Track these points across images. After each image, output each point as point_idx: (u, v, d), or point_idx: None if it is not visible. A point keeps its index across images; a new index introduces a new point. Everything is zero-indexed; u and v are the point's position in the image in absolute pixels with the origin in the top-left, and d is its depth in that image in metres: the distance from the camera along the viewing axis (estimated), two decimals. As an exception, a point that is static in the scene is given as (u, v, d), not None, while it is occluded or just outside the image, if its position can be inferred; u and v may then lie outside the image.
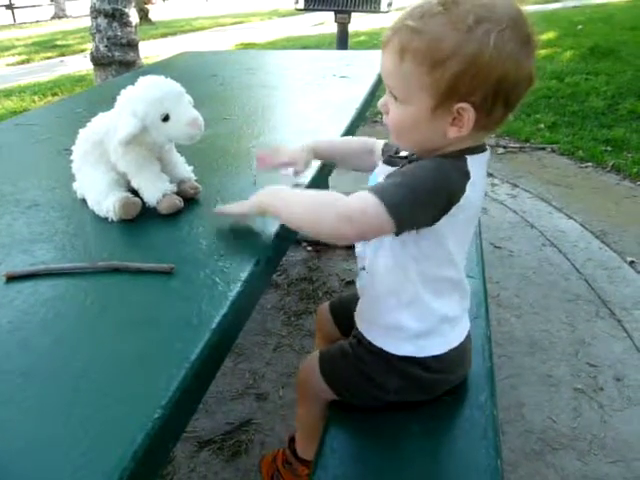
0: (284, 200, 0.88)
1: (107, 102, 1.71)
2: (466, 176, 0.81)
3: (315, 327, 1.41)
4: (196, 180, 1.08)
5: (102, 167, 1.01)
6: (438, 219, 0.81)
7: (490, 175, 3.58)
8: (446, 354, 0.97)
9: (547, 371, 1.91)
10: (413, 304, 0.93)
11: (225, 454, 1.63)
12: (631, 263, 2.55)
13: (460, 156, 0.83)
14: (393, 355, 0.97)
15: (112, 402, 0.59)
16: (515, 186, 3.43)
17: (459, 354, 1.01)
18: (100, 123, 1.04)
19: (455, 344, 0.99)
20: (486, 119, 0.81)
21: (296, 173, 1.08)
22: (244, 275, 0.79)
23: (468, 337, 1.05)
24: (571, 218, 2.99)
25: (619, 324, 2.14)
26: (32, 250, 0.90)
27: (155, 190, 0.98)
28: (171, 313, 0.73)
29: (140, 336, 0.69)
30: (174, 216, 0.99)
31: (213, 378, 0.69)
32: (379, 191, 0.78)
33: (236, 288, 0.76)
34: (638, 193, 3.28)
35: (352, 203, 0.79)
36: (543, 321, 2.17)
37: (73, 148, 1.07)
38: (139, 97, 0.95)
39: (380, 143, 1.11)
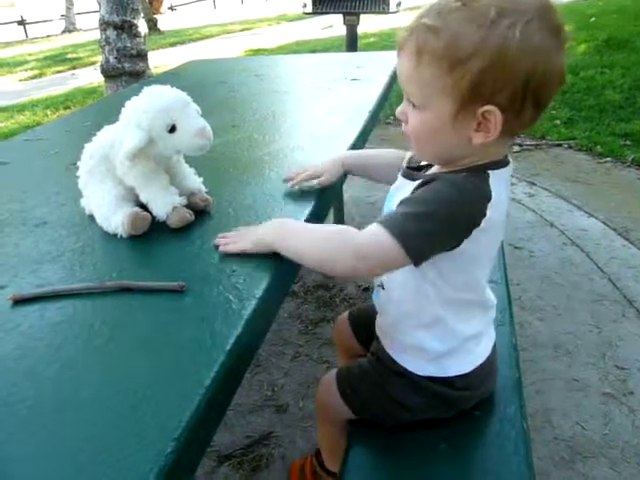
0: (293, 237, 0.83)
1: (115, 114, 1.69)
2: (487, 198, 0.75)
3: (334, 341, 1.37)
4: (207, 192, 1.05)
5: (109, 182, 0.99)
6: (458, 245, 0.77)
7: (506, 174, 3.51)
8: (472, 371, 0.93)
9: (574, 375, 1.85)
10: (434, 325, 0.89)
11: (245, 469, 1.59)
12: (657, 260, 2.47)
13: (481, 172, 0.77)
14: (416, 375, 0.93)
15: (123, 435, 0.55)
16: (533, 184, 3.36)
17: (485, 369, 0.96)
18: (105, 137, 1.01)
19: (481, 360, 0.94)
20: (515, 122, 0.74)
21: (320, 184, 1.05)
22: (259, 292, 0.76)
23: (494, 349, 1.00)
24: (592, 216, 2.92)
25: (647, 324, 2.07)
26: (40, 270, 0.88)
27: (164, 204, 0.95)
28: (183, 335, 0.69)
29: (151, 361, 0.65)
30: (184, 231, 0.95)
31: (229, 404, 0.66)
32: (394, 226, 0.74)
33: (250, 306, 0.73)
34: (660, 187, 3.20)
35: (367, 240, 0.76)
36: (568, 323, 2.11)
37: (79, 164, 1.04)
38: (144, 108, 0.92)
39: (408, 155, 1.04)
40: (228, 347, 0.65)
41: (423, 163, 0.92)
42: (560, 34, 0.73)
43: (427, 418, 0.97)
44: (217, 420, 0.62)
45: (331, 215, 2.81)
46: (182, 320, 0.72)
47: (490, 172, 0.78)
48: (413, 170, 0.90)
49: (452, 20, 0.71)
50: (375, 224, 0.76)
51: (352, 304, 2.25)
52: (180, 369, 0.63)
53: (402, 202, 0.78)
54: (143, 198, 0.98)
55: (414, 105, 0.79)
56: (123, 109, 0.96)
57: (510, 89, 0.71)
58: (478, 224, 0.75)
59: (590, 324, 2.10)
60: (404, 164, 0.97)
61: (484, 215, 0.75)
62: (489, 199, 0.75)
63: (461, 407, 0.97)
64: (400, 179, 0.91)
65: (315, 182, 1.06)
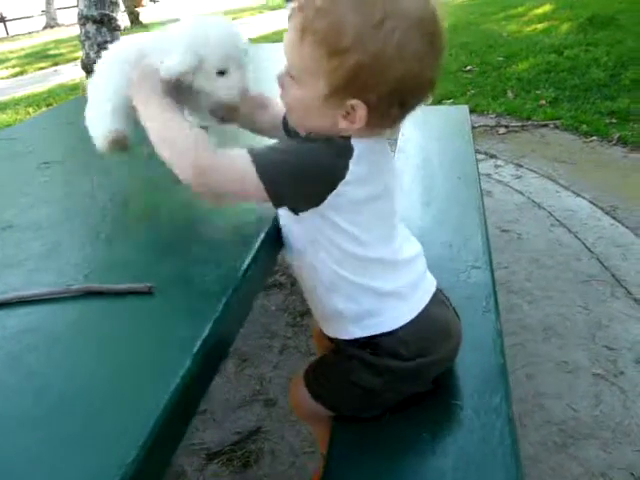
0: (148, 109, 0.85)
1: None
2: (348, 152, 0.78)
3: (315, 345, 1.36)
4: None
5: (122, 92, 0.90)
6: (322, 199, 0.78)
7: (493, 156, 3.50)
8: (410, 333, 0.91)
9: (564, 357, 1.84)
10: (340, 287, 0.90)
11: (235, 465, 1.58)
12: (644, 238, 2.47)
13: (345, 138, 0.81)
14: (356, 348, 0.93)
15: (83, 446, 0.53)
16: (519, 166, 3.34)
17: (426, 327, 0.93)
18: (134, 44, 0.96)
19: (410, 317, 0.92)
20: (379, 119, 0.78)
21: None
22: (228, 292, 0.73)
23: (443, 305, 0.99)
24: (579, 196, 2.90)
25: (636, 303, 2.07)
26: (2, 276, 0.84)
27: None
28: (149, 339, 0.67)
29: (114, 367, 0.63)
30: (154, 230, 0.92)
31: (196, 409, 0.63)
32: (255, 150, 0.77)
33: (219, 306, 0.70)
34: (646, 165, 3.19)
35: (220, 154, 0.78)
36: (556, 305, 2.10)
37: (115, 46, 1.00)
38: (207, 37, 0.84)
39: (276, 104, 1.01)
40: (195, 350, 0.63)
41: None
42: (435, 43, 0.76)
43: (401, 399, 0.95)
44: (183, 426, 0.60)
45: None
46: (148, 324, 0.70)
47: (352, 138, 0.81)
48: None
49: (341, 7, 0.72)
50: (241, 148, 0.79)
51: (340, 294, 2.23)
52: (144, 375, 0.61)
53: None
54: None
55: (291, 76, 0.80)
56: (182, 22, 0.89)
57: (380, 90, 0.74)
58: (342, 177, 0.78)
59: (579, 305, 2.09)
60: (275, 111, 1.01)
61: (346, 168, 0.78)
62: (351, 154, 0.78)
63: (425, 378, 0.96)
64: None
65: None
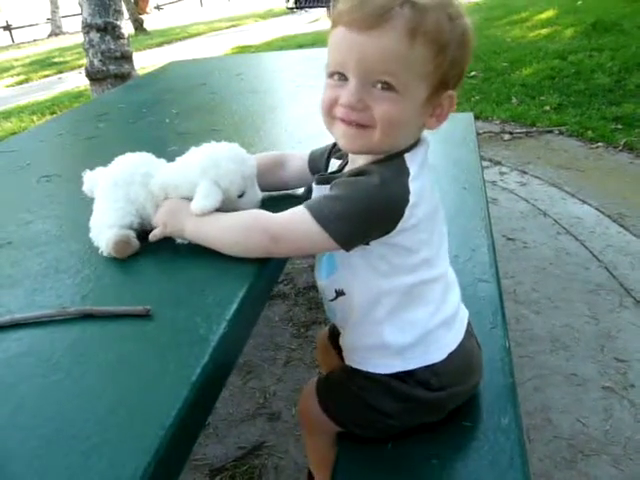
0: (207, 224, 0.85)
1: (91, 121, 1.63)
2: (406, 175, 0.77)
3: (317, 358, 1.33)
4: None
5: (131, 207, 0.92)
6: (395, 227, 0.76)
7: (498, 163, 3.47)
8: (444, 364, 0.88)
9: (572, 370, 1.81)
10: (392, 316, 0.86)
11: (238, 481, 1.55)
12: (653, 246, 2.43)
13: (398, 156, 0.79)
14: (385, 376, 0.89)
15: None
16: (524, 173, 3.31)
17: (461, 360, 0.91)
18: (157, 171, 0.94)
19: (452, 347, 0.89)
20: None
21: None
22: (229, 314, 0.71)
23: (472, 336, 0.96)
24: (585, 203, 2.87)
25: (645, 313, 2.03)
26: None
27: None
28: (146, 366, 0.64)
29: (109, 398, 0.61)
30: (151, 251, 0.90)
31: (194, 442, 0.61)
32: (315, 208, 0.76)
33: (219, 330, 0.68)
34: (654, 171, 3.15)
35: (283, 219, 0.79)
36: (564, 315, 2.07)
37: (117, 164, 0.98)
38: (226, 169, 0.89)
39: (297, 157, 1.04)
40: (193, 379, 0.61)
41: (334, 168, 0.92)
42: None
43: (409, 426, 0.92)
44: (180, 464, 0.58)
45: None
46: (146, 349, 0.68)
47: (405, 154, 0.80)
48: (328, 175, 0.89)
49: (433, 5, 0.72)
50: (299, 206, 0.78)
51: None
52: (140, 407, 0.59)
53: (330, 188, 0.80)
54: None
55: (386, 88, 0.73)
56: (195, 154, 0.92)
57: (462, 75, 0.79)
58: (407, 200, 0.76)
59: (587, 315, 2.06)
60: (296, 166, 1.02)
61: (409, 191, 0.76)
62: (408, 174, 0.77)
63: (442, 410, 0.92)
64: (317, 188, 0.88)
65: None
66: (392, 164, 0.78)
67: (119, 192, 0.93)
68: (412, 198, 0.76)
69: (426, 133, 0.84)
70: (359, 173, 0.78)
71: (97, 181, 0.97)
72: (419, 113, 0.77)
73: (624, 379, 1.75)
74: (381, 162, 0.79)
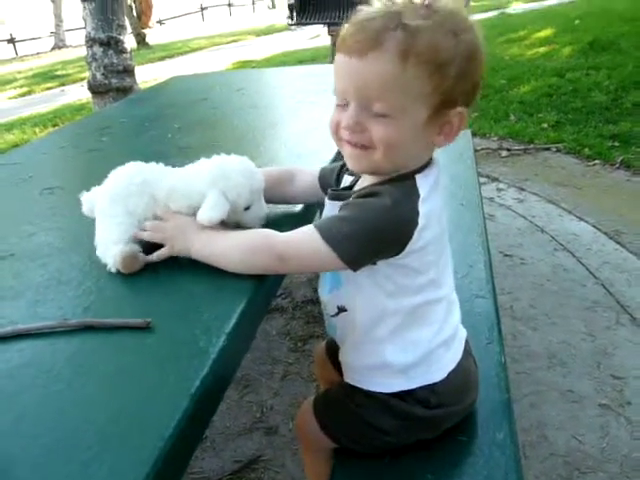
0: (219, 247, 0.85)
1: (94, 135, 1.65)
2: (417, 196, 0.77)
3: (315, 372, 1.34)
4: None
5: (133, 219, 0.93)
6: (404, 249, 0.77)
7: (495, 180, 3.50)
8: (444, 383, 0.89)
9: (569, 386, 1.81)
10: (396, 336, 0.86)
11: (234, 496, 1.55)
12: (649, 264, 2.45)
13: (409, 177, 0.80)
14: (385, 394, 0.89)
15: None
16: (522, 190, 3.34)
17: (460, 379, 0.92)
18: (155, 175, 0.95)
19: (452, 366, 0.90)
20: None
21: None
22: (228, 327, 0.72)
23: (470, 355, 0.97)
24: (582, 220, 2.89)
25: (641, 330, 2.04)
26: (2, 308, 0.84)
27: None
28: (145, 378, 0.65)
29: (110, 409, 0.61)
30: (153, 265, 0.91)
31: (192, 453, 0.62)
32: (325, 228, 0.77)
33: (219, 343, 0.69)
34: (650, 189, 3.18)
35: (291, 238, 0.80)
36: (561, 332, 2.08)
37: (110, 180, 0.98)
38: (235, 182, 0.91)
39: (306, 172, 1.06)
40: (192, 391, 0.62)
41: (345, 184, 0.92)
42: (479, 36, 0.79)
43: (406, 443, 0.93)
44: (178, 475, 0.58)
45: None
46: (146, 361, 0.69)
47: (417, 176, 0.80)
48: (340, 191, 0.90)
49: (427, 24, 0.72)
50: (308, 225, 0.79)
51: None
52: (140, 418, 0.59)
53: (340, 208, 0.80)
54: None
55: (380, 113, 0.74)
56: (205, 164, 0.94)
57: (472, 91, 0.78)
58: (417, 223, 0.76)
59: (584, 332, 2.07)
60: (305, 181, 1.02)
61: (419, 213, 0.76)
62: (418, 196, 0.77)
63: (440, 428, 0.93)
64: (329, 204, 0.89)
65: None
66: (403, 185, 0.78)
67: (117, 207, 0.93)
68: (421, 221, 0.76)
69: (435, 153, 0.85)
70: (369, 194, 0.78)
71: (95, 200, 0.98)
72: (421, 133, 0.77)
73: (620, 396, 1.75)
74: (392, 182, 0.79)
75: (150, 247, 0.92)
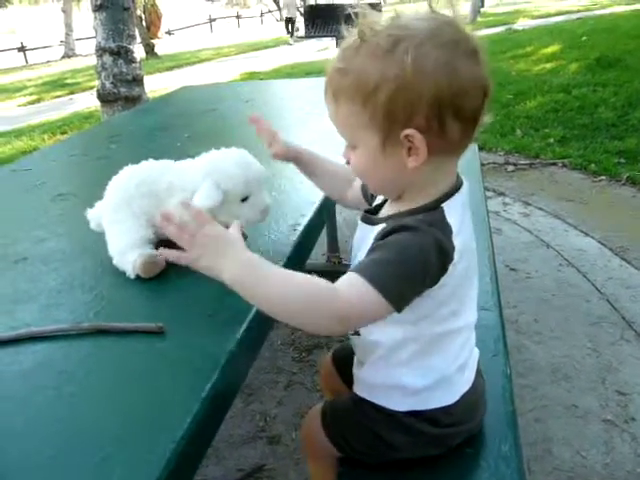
0: (260, 286, 0.72)
1: (103, 143, 1.67)
2: (449, 231, 0.76)
3: (320, 382, 1.34)
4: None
5: (140, 220, 0.94)
6: (437, 282, 0.76)
7: (501, 194, 3.51)
8: (456, 405, 0.89)
9: (573, 401, 1.81)
10: (414, 362, 0.86)
11: (237, 505, 1.55)
12: (654, 280, 2.45)
13: (436, 207, 0.78)
14: (398, 411, 0.89)
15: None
16: (528, 204, 3.35)
17: (471, 399, 0.92)
18: (148, 173, 0.97)
19: (465, 389, 0.91)
20: (441, 139, 0.75)
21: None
22: (238, 333, 0.73)
23: (479, 374, 0.97)
24: (588, 235, 2.90)
25: (646, 347, 2.04)
26: (15, 311, 0.85)
27: None
28: (157, 382, 0.67)
29: (122, 411, 0.63)
30: (164, 270, 0.92)
31: (203, 455, 0.63)
32: (373, 278, 0.71)
33: (229, 348, 0.70)
34: (656, 205, 3.19)
35: (347, 298, 0.71)
36: (566, 347, 2.08)
37: (109, 190, 0.99)
38: (229, 172, 0.92)
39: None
40: (203, 395, 0.63)
41: (377, 202, 0.92)
42: (462, 46, 0.74)
43: (416, 457, 0.93)
44: (189, 476, 0.59)
45: (324, 239, 2.80)
46: (158, 365, 0.70)
47: (444, 205, 0.78)
48: (370, 214, 0.90)
49: (354, 58, 0.74)
50: (353, 275, 0.73)
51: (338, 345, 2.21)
52: (152, 421, 0.60)
53: (372, 249, 0.76)
54: None
55: (350, 145, 0.81)
56: (203, 157, 0.95)
57: (423, 110, 0.72)
58: (452, 258, 0.75)
59: (589, 347, 2.07)
60: (358, 187, 1.00)
61: (454, 248, 0.76)
62: (451, 231, 0.76)
63: (449, 445, 0.93)
64: (361, 226, 0.89)
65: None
66: (433, 217, 0.77)
67: (122, 214, 0.95)
68: (456, 255, 0.76)
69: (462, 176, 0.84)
70: (404, 228, 0.76)
71: (100, 214, 1.00)
72: (385, 157, 0.77)
73: (625, 412, 1.75)
74: (420, 213, 0.78)
75: (164, 243, 0.93)
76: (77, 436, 0.60)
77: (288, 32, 17.04)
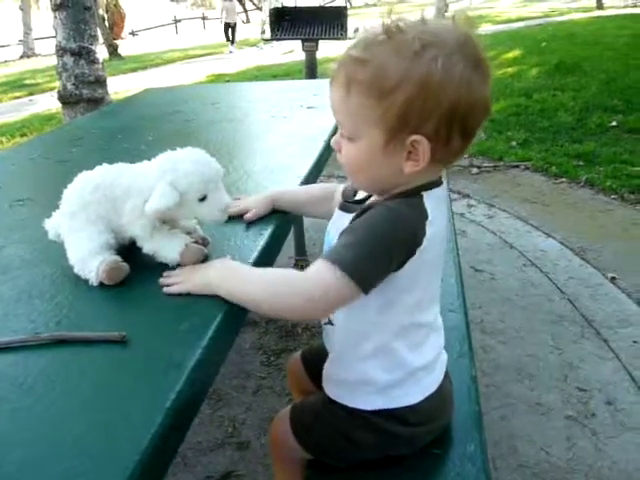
0: (238, 282, 0.81)
1: (65, 146, 1.63)
2: (424, 216, 0.78)
3: (288, 381, 1.34)
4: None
5: (98, 226, 0.92)
6: (402, 265, 0.77)
7: (466, 196, 3.57)
8: (423, 403, 0.90)
9: (537, 399, 1.85)
10: (382, 355, 0.87)
11: (205, 513, 1.53)
12: (612, 279, 2.53)
13: (415, 194, 0.79)
14: (365, 410, 0.90)
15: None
16: (491, 206, 3.41)
17: (438, 399, 0.93)
18: (103, 178, 0.94)
19: (432, 389, 0.92)
20: (443, 151, 0.76)
21: (246, 220, 1.06)
22: (204, 340, 0.72)
23: (447, 377, 0.99)
24: (550, 236, 2.97)
25: (605, 344, 2.10)
26: (-31, 322, 0.82)
27: (176, 244, 0.90)
28: (119, 392, 0.65)
29: (83, 423, 0.61)
30: (127, 277, 0.90)
31: (168, 468, 0.61)
32: (337, 259, 0.74)
33: (195, 356, 0.69)
34: (613, 207, 3.29)
35: (313, 281, 0.76)
36: (529, 345, 2.13)
37: (65, 198, 0.96)
38: (185, 171, 0.88)
39: (341, 188, 1.06)
40: (168, 404, 0.62)
41: (359, 196, 0.92)
42: (481, 66, 0.75)
43: (384, 456, 0.94)
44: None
45: (291, 242, 2.79)
46: (120, 375, 0.68)
47: (424, 193, 0.79)
48: (350, 203, 0.90)
49: (378, 52, 0.74)
50: (320, 261, 0.76)
51: (314, 333, 2.22)
52: (115, 432, 0.59)
53: (342, 233, 0.79)
54: (149, 248, 0.92)
55: (346, 136, 0.80)
56: (157, 159, 0.92)
57: (436, 119, 0.73)
58: (420, 243, 0.76)
59: (551, 345, 2.12)
60: (339, 196, 0.97)
61: (424, 234, 0.77)
62: (427, 217, 0.78)
63: (417, 445, 0.94)
64: (337, 213, 0.91)
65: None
66: (411, 202, 0.78)
67: (79, 221, 0.92)
68: (425, 242, 0.77)
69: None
70: (379, 205, 0.78)
71: (58, 224, 0.97)
72: (384, 156, 0.77)
73: (585, 408, 1.80)
74: (399, 197, 0.79)
75: (127, 247, 0.93)
76: (37, 450, 0.58)
77: (228, 39, 15.70)
